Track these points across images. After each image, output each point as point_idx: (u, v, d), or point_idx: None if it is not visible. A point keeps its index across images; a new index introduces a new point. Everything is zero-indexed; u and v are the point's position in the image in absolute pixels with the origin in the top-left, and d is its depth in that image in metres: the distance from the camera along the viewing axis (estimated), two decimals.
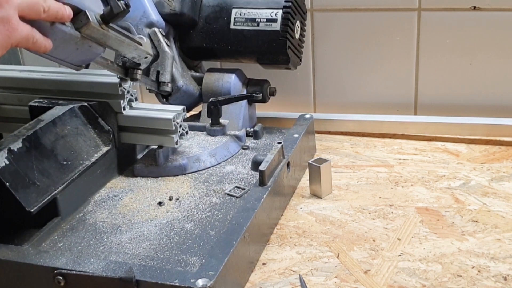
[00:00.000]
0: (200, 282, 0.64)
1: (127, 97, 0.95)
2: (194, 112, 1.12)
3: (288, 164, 0.92)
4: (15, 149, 0.79)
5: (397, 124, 1.12)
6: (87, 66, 0.82)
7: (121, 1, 0.76)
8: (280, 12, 1.02)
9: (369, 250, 0.79)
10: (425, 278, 0.73)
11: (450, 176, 0.96)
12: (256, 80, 1.08)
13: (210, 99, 1.02)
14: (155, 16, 1.02)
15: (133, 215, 0.86)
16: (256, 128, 1.06)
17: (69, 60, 0.78)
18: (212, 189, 0.91)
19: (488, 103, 1.12)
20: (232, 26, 1.04)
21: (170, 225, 0.83)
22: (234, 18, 1.04)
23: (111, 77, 0.93)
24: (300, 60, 1.08)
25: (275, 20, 1.02)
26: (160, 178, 0.95)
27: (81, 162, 0.88)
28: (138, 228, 0.83)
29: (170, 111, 0.94)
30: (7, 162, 0.77)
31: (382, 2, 1.10)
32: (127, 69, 0.88)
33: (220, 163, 0.99)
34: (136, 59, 0.86)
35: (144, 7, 1.01)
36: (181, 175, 0.96)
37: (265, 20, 1.02)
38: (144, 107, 0.97)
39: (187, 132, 0.96)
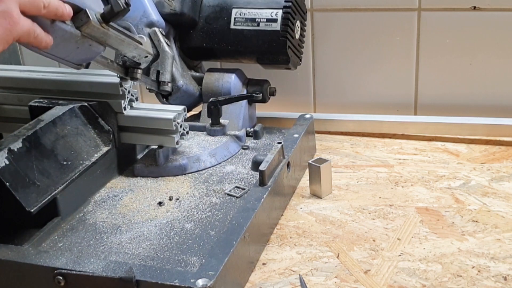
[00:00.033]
0: (200, 282, 0.64)
1: (127, 97, 0.95)
2: (194, 112, 1.12)
3: (288, 164, 0.92)
4: (15, 149, 0.79)
5: (397, 124, 1.12)
6: (87, 66, 0.82)
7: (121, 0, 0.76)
8: (280, 12, 1.02)
9: (369, 250, 0.79)
10: (425, 278, 0.73)
11: (450, 176, 0.96)
12: (256, 80, 1.08)
13: (210, 99, 1.02)
14: (155, 16, 1.02)
15: (133, 215, 0.86)
16: (256, 128, 1.06)
17: (69, 58, 0.78)
18: (212, 189, 0.91)
19: (488, 103, 1.12)
20: (232, 26, 1.04)
21: (170, 225, 0.83)
22: (234, 18, 1.04)
23: (112, 77, 0.93)
24: (300, 60, 1.08)
25: (275, 20, 1.02)
26: (160, 178, 0.95)
27: (81, 162, 0.88)
28: (138, 228, 0.83)
29: (170, 111, 0.94)
30: (7, 162, 0.77)
31: (382, 2, 1.10)
32: (127, 69, 0.88)
33: (220, 163, 0.99)
34: (136, 58, 0.86)
35: (144, 7, 1.01)
36: (181, 175, 0.96)
37: (265, 20, 1.02)
38: (145, 107, 0.97)
39: (187, 132, 0.96)
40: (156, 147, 0.96)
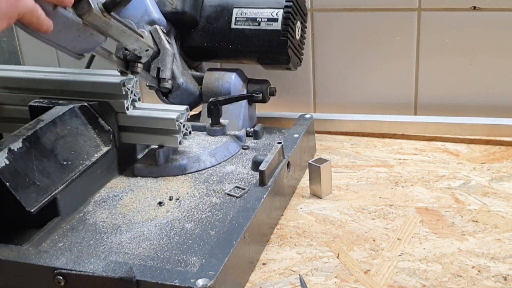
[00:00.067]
0: (200, 282, 0.64)
1: (130, 97, 0.94)
2: (194, 112, 1.11)
3: (288, 164, 0.92)
4: (15, 149, 0.79)
5: (397, 124, 1.12)
6: (88, 66, 0.82)
7: None
8: (281, 11, 1.02)
9: (369, 250, 0.79)
10: (425, 278, 0.73)
11: (450, 176, 0.96)
12: (256, 80, 1.08)
13: (210, 99, 1.02)
14: (156, 14, 1.02)
15: (133, 215, 0.86)
16: (256, 128, 1.06)
17: (71, 47, 0.79)
18: (212, 189, 0.91)
19: (488, 103, 1.12)
20: (233, 26, 1.04)
21: (170, 225, 0.83)
22: (235, 17, 1.04)
23: (113, 77, 0.93)
24: (301, 61, 1.08)
25: (276, 20, 1.02)
26: (160, 178, 0.95)
27: (81, 162, 0.88)
28: (138, 228, 0.83)
29: (173, 111, 0.94)
30: (7, 162, 0.77)
31: (382, 2, 1.10)
32: (128, 62, 0.88)
33: (220, 163, 0.99)
34: (137, 51, 0.86)
35: (145, 5, 1.01)
36: (181, 175, 0.96)
37: (266, 19, 1.02)
38: (147, 107, 0.97)
39: (190, 132, 0.96)
40: (156, 147, 0.96)
